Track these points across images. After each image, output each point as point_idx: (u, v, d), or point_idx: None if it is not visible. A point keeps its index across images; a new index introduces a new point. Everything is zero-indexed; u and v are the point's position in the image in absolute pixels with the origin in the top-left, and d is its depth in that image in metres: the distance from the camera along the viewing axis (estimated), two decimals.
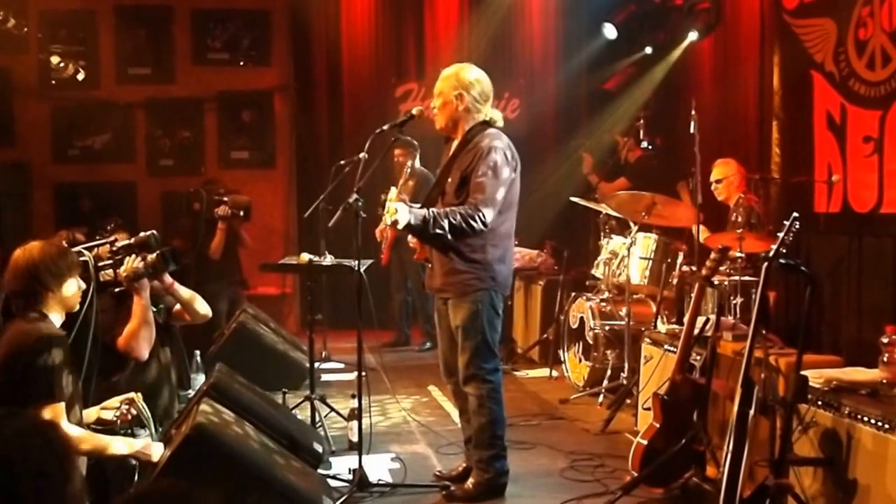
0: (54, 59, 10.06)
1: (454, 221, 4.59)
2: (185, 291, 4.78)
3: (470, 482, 4.89)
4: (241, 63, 10.72)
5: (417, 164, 8.41)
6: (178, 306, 4.87)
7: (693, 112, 6.02)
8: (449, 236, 4.63)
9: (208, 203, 8.04)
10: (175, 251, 4.54)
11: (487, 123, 4.85)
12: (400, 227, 4.60)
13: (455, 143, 4.88)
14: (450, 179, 4.83)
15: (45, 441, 2.22)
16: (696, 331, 4.99)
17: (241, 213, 8.00)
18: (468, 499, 4.82)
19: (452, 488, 4.94)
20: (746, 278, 5.65)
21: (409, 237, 4.99)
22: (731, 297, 5.65)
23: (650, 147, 8.63)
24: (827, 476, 4.07)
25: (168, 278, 4.64)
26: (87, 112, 10.39)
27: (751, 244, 5.60)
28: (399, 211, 4.56)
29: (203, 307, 4.87)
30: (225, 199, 7.97)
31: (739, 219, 6.34)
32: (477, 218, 4.60)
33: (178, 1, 10.53)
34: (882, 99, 5.88)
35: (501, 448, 4.91)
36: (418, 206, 4.80)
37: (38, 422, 2.36)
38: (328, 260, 6.02)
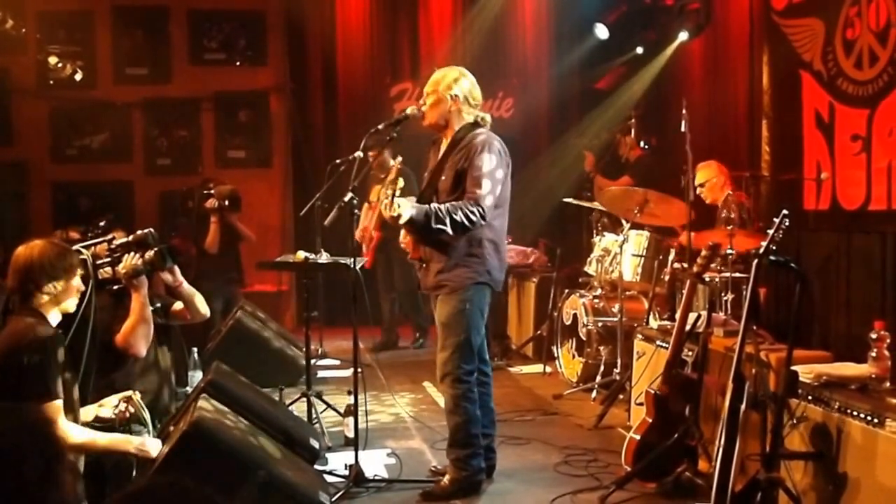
0: (52, 60, 10.10)
1: (455, 216, 4.63)
2: (189, 290, 4.81)
3: (446, 479, 4.89)
4: (238, 63, 10.78)
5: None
6: (176, 305, 4.90)
7: (684, 111, 6.03)
8: (450, 231, 4.66)
9: (199, 199, 8.10)
10: (172, 248, 4.58)
11: (477, 124, 4.92)
12: (402, 221, 4.64)
13: (444, 144, 4.92)
14: (443, 177, 4.85)
15: (35, 438, 2.22)
16: (688, 327, 5.01)
17: (227, 203, 8.02)
18: (445, 497, 4.81)
19: (430, 487, 4.94)
20: (737, 275, 5.68)
21: (401, 237, 5.03)
22: (723, 294, 5.68)
23: (647, 146, 8.68)
24: (817, 470, 4.08)
25: (179, 276, 4.69)
26: (85, 112, 10.45)
27: (741, 241, 5.65)
28: (402, 206, 4.60)
29: (203, 307, 4.90)
30: (212, 192, 8.03)
31: (732, 215, 6.39)
32: (477, 211, 4.64)
33: (174, 2, 10.58)
34: (870, 98, 5.94)
35: (478, 446, 4.91)
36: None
37: (31, 420, 2.34)
38: (324, 258, 6.04)
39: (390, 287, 9.11)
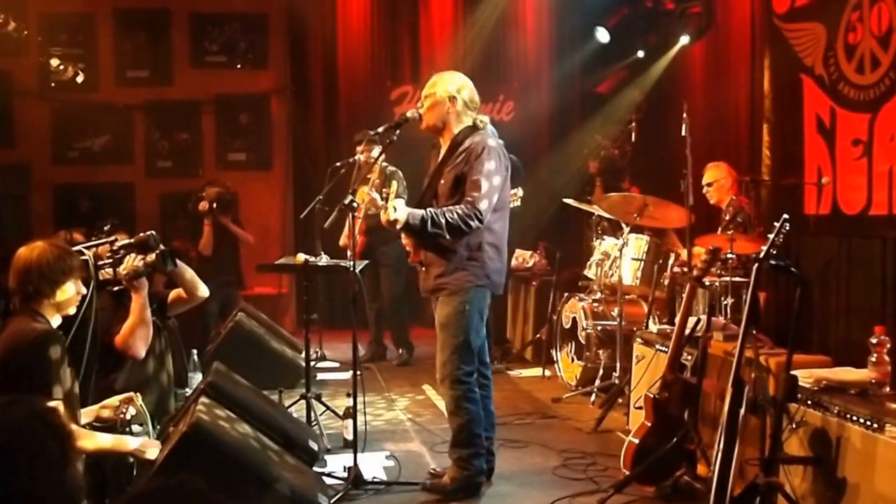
0: (54, 62, 10.10)
1: (451, 220, 4.63)
2: (183, 266, 4.78)
3: (447, 478, 4.90)
4: (239, 66, 10.80)
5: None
6: (173, 293, 4.91)
7: (685, 115, 6.05)
8: (447, 235, 4.67)
9: (194, 201, 8.10)
10: (174, 251, 4.58)
11: (476, 127, 4.92)
12: (399, 226, 4.64)
13: (444, 147, 4.92)
14: (442, 181, 4.85)
15: (45, 425, 2.24)
16: (688, 331, 5.00)
17: (215, 205, 8.01)
18: (445, 494, 4.83)
19: (429, 482, 4.98)
20: (737, 279, 5.69)
21: (403, 240, 5.03)
22: (722, 298, 5.69)
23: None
24: (816, 475, 4.08)
25: None
26: (87, 114, 10.45)
27: (741, 245, 5.66)
28: (398, 209, 4.60)
29: (200, 285, 4.88)
30: (203, 194, 8.03)
31: (727, 217, 6.40)
32: (474, 215, 4.64)
33: (176, 4, 10.60)
34: (871, 102, 5.93)
35: (480, 447, 4.91)
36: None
37: (38, 407, 2.38)
38: (324, 260, 6.05)
39: (375, 296, 8.46)
